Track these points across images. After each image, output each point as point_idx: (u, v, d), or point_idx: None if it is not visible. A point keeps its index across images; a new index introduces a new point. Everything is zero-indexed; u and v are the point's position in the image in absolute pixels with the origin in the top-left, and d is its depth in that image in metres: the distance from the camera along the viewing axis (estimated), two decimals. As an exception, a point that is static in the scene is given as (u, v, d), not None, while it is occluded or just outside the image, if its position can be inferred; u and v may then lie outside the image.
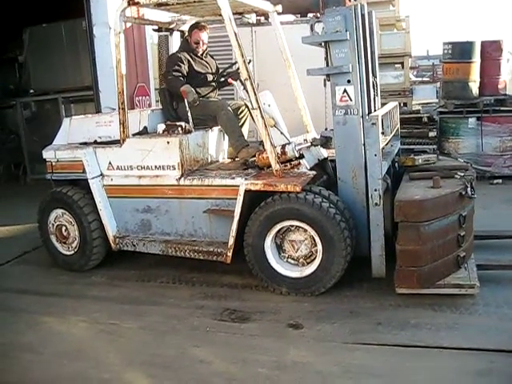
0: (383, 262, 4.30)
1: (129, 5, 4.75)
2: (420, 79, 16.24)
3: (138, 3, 4.70)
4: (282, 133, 5.10)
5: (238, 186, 4.46)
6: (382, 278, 4.39)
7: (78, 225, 5.19)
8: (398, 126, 5.46)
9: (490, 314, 3.94)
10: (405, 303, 4.16)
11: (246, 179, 4.49)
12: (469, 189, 4.25)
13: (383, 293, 4.34)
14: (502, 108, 8.08)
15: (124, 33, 4.90)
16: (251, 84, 4.43)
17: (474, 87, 8.16)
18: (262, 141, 4.69)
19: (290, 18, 7.71)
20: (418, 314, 3.99)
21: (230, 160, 5.44)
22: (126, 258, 5.30)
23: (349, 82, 4.36)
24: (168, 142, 4.83)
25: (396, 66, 9.73)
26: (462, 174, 4.45)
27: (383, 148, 4.56)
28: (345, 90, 4.39)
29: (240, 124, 5.40)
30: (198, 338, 3.90)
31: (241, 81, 5.07)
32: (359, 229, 4.44)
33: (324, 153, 5.02)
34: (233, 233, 4.50)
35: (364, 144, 4.31)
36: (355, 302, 4.28)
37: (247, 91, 4.53)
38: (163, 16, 5.77)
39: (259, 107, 4.45)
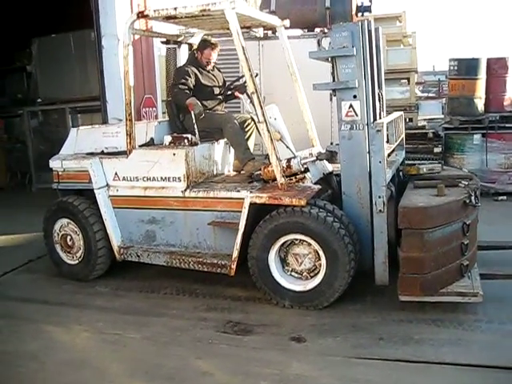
0: (386, 269, 4.31)
1: (138, 17, 4.82)
2: (426, 95, 16.27)
3: (147, 16, 4.76)
4: (287, 147, 5.15)
5: (243, 198, 4.48)
6: (384, 293, 4.42)
7: (83, 234, 5.23)
8: (403, 135, 5.48)
9: (493, 331, 3.94)
10: (408, 318, 4.17)
11: (251, 192, 4.51)
12: (473, 197, 4.27)
13: (386, 307, 4.36)
14: (507, 125, 8.09)
15: (132, 44, 4.94)
16: (258, 98, 4.47)
17: (480, 104, 8.18)
18: (267, 154, 4.73)
19: (297, 32, 7.76)
20: (420, 330, 4.00)
21: (235, 173, 5.48)
22: (130, 268, 5.33)
23: (355, 97, 4.38)
24: (174, 154, 4.86)
25: (402, 81, 9.78)
26: (467, 183, 4.48)
27: (388, 156, 4.59)
28: (351, 105, 4.42)
29: (246, 137, 5.44)
30: (201, 349, 3.91)
31: (247, 94, 5.11)
32: (363, 243, 4.44)
33: (329, 167, 5.05)
34: (237, 245, 4.52)
35: (369, 154, 4.34)
36: (358, 316, 4.28)
37: (254, 105, 4.56)
38: (171, 29, 5.82)
39: (265, 121, 4.49)
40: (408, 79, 9.84)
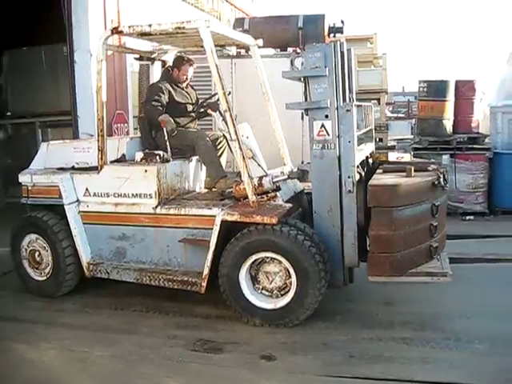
0: (356, 251, 4.37)
1: (112, 33, 4.82)
2: (395, 115, 16.55)
3: (121, 32, 4.75)
4: (259, 165, 5.18)
5: (215, 216, 4.48)
6: (354, 311, 4.45)
7: (51, 250, 5.14)
8: (373, 127, 5.49)
9: (461, 349, 3.99)
10: (378, 336, 4.20)
11: (222, 210, 4.52)
12: (441, 179, 4.37)
13: (356, 325, 4.40)
14: (474, 146, 8.29)
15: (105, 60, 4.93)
16: (230, 116, 4.50)
17: (448, 125, 8.38)
18: (239, 172, 4.75)
19: (270, 51, 7.84)
20: (390, 348, 4.03)
21: (206, 190, 5.47)
22: (100, 285, 5.25)
23: (327, 116, 4.44)
24: (146, 171, 4.84)
25: (372, 101, 9.92)
26: (435, 167, 4.58)
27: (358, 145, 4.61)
28: (322, 125, 4.47)
29: (218, 154, 5.45)
30: (171, 368, 3.87)
31: (220, 112, 5.14)
32: (334, 261, 4.47)
33: (300, 186, 5.09)
34: (208, 263, 4.50)
35: (338, 139, 4.36)
36: (329, 333, 4.30)
37: (226, 122, 4.59)
38: (145, 45, 5.83)
39: (238, 139, 4.51)
40: (378, 99, 10.01)
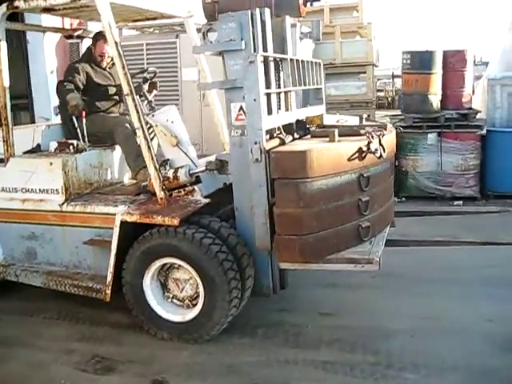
0: (268, 231, 3.60)
1: (8, 9, 4.26)
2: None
3: (16, 8, 4.20)
4: (185, 153, 4.58)
5: (115, 215, 3.95)
6: (282, 324, 3.96)
7: (-38, 249, 4.71)
8: (322, 87, 4.76)
9: (388, 379, 3.37)
10: (295, 359, 3.62)
11: (126, 207, 3.98)
12: (374, 145, 3.60)
13: (277, 343, 3.86)
14: (464, 123, 7.49)
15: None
16: (133, 100, 3.92)
17: (435, 100, 7.58)
18: (163, 161, 4.23)
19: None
20: (304, 374, 3.47)
21: (134, 182, 4.91)
22: (21, 287, 4.75)
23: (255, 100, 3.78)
24: (51, 163, 4.32)
25: (361, 75, 9.16)
26: (370, 130, 3.79)
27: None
28: (241, 108, 3.81)
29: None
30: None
31: (143, 95, 4.59)
32: (260, 266, 3.90)
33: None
34: (110, 268, 3.99)
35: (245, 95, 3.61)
36: (240, 353, 3.74)
37: (129, 108, 4.00)
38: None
39: (142, 126, 3.93)
40: (364, 73, 9.17)
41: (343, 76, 8.98)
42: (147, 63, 7.06)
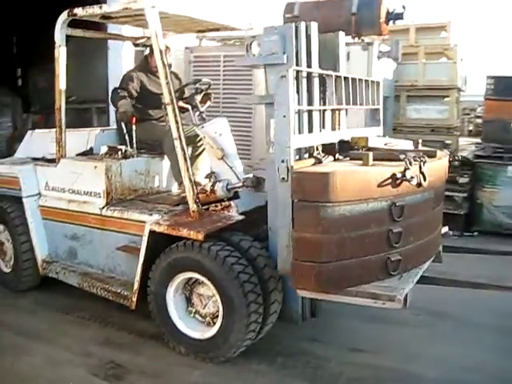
0: (290, 255, 3.38)
1: (69, 16, 4.39)
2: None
3: (75, 15, 4.32)
4: (230, 167, 4.51)
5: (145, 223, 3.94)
6: (303, 355, 3.79)
7: (13, 243, 4.91)
8: (380, 108, 4.57)
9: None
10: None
11: (156, 217, 3.97)
12: (411, 172, 3.32)
13: (292, 375, 3.64)
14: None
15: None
16: (173, 110, 3.90)
17: (519, 129, 7.04)
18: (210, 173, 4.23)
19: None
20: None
21: (180, 192, 4.90)
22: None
23: (285, 116, 3.67)
24: (95, 167, 4.40)
25: (444, 100, 8.66)
26: (412, 155, 3.48)
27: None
28: (280, 124, 3.70)
29: (196, 154, 4.86)
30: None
31: (192, 105, 4.60)
32: (289, 291, 3.69)
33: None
34: (137, 276, 3.99)
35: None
36: (253, 380, 3.60)
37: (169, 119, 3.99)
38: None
39: (180, 137, 3.91)
40: (448, 97, 8.63)
41: (425, 99, 8.56)
42: (223, 75, 7.11)
